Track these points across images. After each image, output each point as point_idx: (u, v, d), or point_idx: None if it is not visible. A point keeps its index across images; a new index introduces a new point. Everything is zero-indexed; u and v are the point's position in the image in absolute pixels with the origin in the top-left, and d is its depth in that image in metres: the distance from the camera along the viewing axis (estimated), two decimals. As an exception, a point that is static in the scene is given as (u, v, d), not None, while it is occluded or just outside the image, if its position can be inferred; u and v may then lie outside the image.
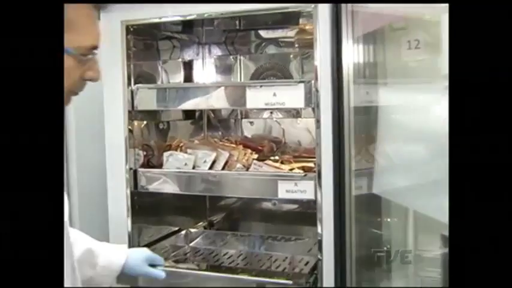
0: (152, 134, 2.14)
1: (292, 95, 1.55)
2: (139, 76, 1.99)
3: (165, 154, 1.87)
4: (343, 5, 1.34)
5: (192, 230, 2.16)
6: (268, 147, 2.27)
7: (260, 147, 2.21)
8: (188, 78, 2.26)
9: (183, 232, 2.13)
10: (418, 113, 1.23)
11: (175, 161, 1.84)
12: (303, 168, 1.97)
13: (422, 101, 1.20)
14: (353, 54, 1.38)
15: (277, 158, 2.15)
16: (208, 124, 2.33)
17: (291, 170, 1.87)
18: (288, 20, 2.04)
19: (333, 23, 1.35)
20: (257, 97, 1.59)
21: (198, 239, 2.14)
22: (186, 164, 1.83)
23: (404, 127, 1.28)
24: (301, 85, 1.54)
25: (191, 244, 2.12)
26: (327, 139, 1.48)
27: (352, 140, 1.37)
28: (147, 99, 1.78)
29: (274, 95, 1.56)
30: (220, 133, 2.35)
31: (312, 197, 1.57)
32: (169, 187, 1.77)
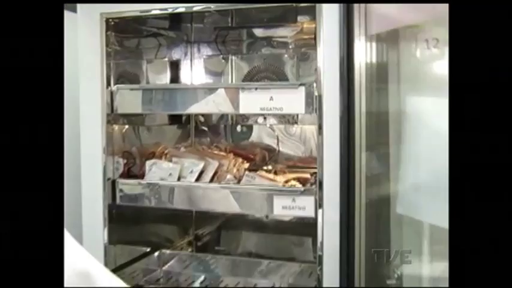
0: (134, 140, 1.96)
1: (291, 100, 1.38)
2: (121, 76, 1.82)
3: (148, 163, 1.68)
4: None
5: (166, 252, 1.97)
6: (261, 156, 2.09)
7: (252, 156, 2.04)
8: (175, 79, 2.08)
9: (156, 253, 1.94)
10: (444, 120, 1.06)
11: (159, 170, 1.66)
12: (298, 179, 1.81)
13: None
14: (365, 54, 1.21)
15: (270, 167, 1.98)
16: (195, 129, 2.14)
17: (286, 182, 1.70)
18: (284, 17, 1.88)
19: (342, 20, 1.17)
20: (252, 101, 1.41)
21: (172, 261, 1.95)
22: (170, 174, 1.64)
23: (431, 137, 1.11)
24: (302, 88, 1.37)
25: (164, 268, 1.93)
26: (332, 149, 1.30)
27: (364, 151, 1.20)
28: (128, 101, 1.60)
29: (271, 99, 1.39)
30: (208, 139, 2.17)
31: (312, 214, 1.39)
32: (152, 200, 1.58)
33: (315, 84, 1.36)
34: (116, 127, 1.75)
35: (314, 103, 1.36)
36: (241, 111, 1.43)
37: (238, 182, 1.59)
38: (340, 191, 1.26)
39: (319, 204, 1.37)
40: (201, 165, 1.64)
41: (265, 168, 1.96)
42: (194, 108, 1.47)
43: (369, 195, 1.26)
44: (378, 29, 1.19)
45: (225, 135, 2.16)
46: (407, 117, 1.20)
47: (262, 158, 2.09)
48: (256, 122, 2.08)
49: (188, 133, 2.14)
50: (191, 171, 1.64)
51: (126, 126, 1.98)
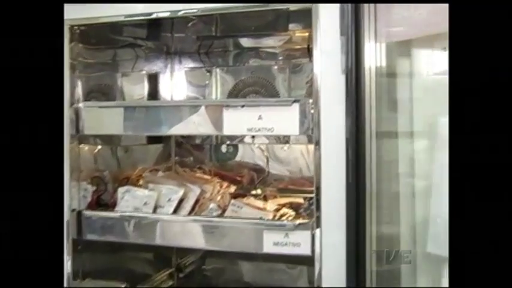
0: (109, 161, 1.76)
1: (283, 119, 1.18)
2: (92, 91, 1.63)
3: (120, 190, 1.47)
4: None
5: (143, 288, 1.74)
6: (248, 178, 1.89)
7: (238, 178, 1.84)
8: (153, 94, 1.87)
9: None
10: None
11: (132, 198, 1.45)
12: (290, 205, 1.63)
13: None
14: (375, 63, 1.02)
15: (259, 191, 1.78)
16: (177, 147, 1.93)
17: (277, 210, 1.50)
18: (274, 25, 1.68)
19: (350, 22, 0.98)
20: (237, 120, 1.21)
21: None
22: (146, 204, 1.43)
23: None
24: (295, 106, 1.17)
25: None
26: (331, 172, 1.12)
27: (374, 174, 1.01)
28: (96, 120, 1.39)
29: (260, 117, 1.19)
30: (192, 158, 1.96)
31: (308, 252, 1.19)
32: (123, 235, 1.36)
33: (310, 101, 1.17)
34: (86, 147, 1.56)
35: (309, 122, 1.17)
36: (226, 132, 1.22)
37: (223, 212, 1.39)
38: (348, 223, 1.07)
39: (316, 224, 1.18)
40: (181, 192, 1.44)
41: (253, 192, 1.76)
42: (172, 130, 1.25)
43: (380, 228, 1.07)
44: (390, 37, 1.00)
45: (210, 154, 1.95)
46: (425, 137, 1.01)
47: (251, 180, 1.89)
48: (242, 141, 1.88)
49: (169, 152, 1.93)
50: (169, 200, 1.43)
51: (99, 147, 1.79)
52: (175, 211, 1.41)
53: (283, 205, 1.61)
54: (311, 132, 1.17)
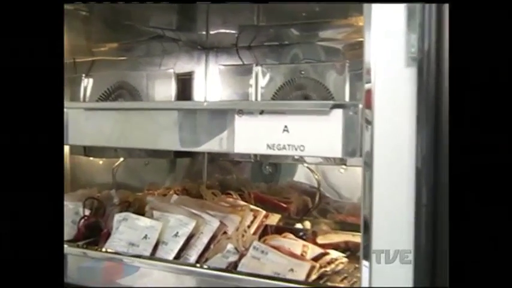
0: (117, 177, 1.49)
1: (318, 132, 0.79)
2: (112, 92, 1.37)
3: (117, 218, 1.13)
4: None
5: None
6: (299, 204, 1.51)
7: (284, 204, 1.47)
8: (185, 95, 1.54)
9: None
10: None
11: (129, 229, 1.11)
12: (346, 244, 1.23)
13: None
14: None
15: (308, 224, 1.39)
16: (209, 164, 1.58)
17: (324, 254, 1.11)
18: (331, 11, 1.31)
19: None
20: (254, 132, 0.83)
21: None
22: (146, 237, 1.09)
23: None
24: (338, 112, 0.78)
25: None
26: (390, 207, 0.74)
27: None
28: (86, 127, 1.06)
29: (286, 129, 0.81)
30: (234, 176, 1.61)
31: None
32: (109, 280, 1.02)
33: (360, 106, 0.77)
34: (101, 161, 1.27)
35: (360, 138, 0.77)
36: (237, 149, 0.84)
37: (239, 259, 1.01)
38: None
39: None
40: (191, 225, 1.08)
41: (299, 225, 1.37)
42: (151, 142, 0.89)
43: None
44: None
45: (253, 172, 1.59)
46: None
47: (303, 207, 1.50)
48: (293, 158, 1.50)
49: (200, 169, 1.59)
50: (176, 234, 1.08)
51: (121, 159, 1.51)
52: (180, 252, 1.05)
53: (336, 245, 1.22)
54: (360, 153, 0.77)
